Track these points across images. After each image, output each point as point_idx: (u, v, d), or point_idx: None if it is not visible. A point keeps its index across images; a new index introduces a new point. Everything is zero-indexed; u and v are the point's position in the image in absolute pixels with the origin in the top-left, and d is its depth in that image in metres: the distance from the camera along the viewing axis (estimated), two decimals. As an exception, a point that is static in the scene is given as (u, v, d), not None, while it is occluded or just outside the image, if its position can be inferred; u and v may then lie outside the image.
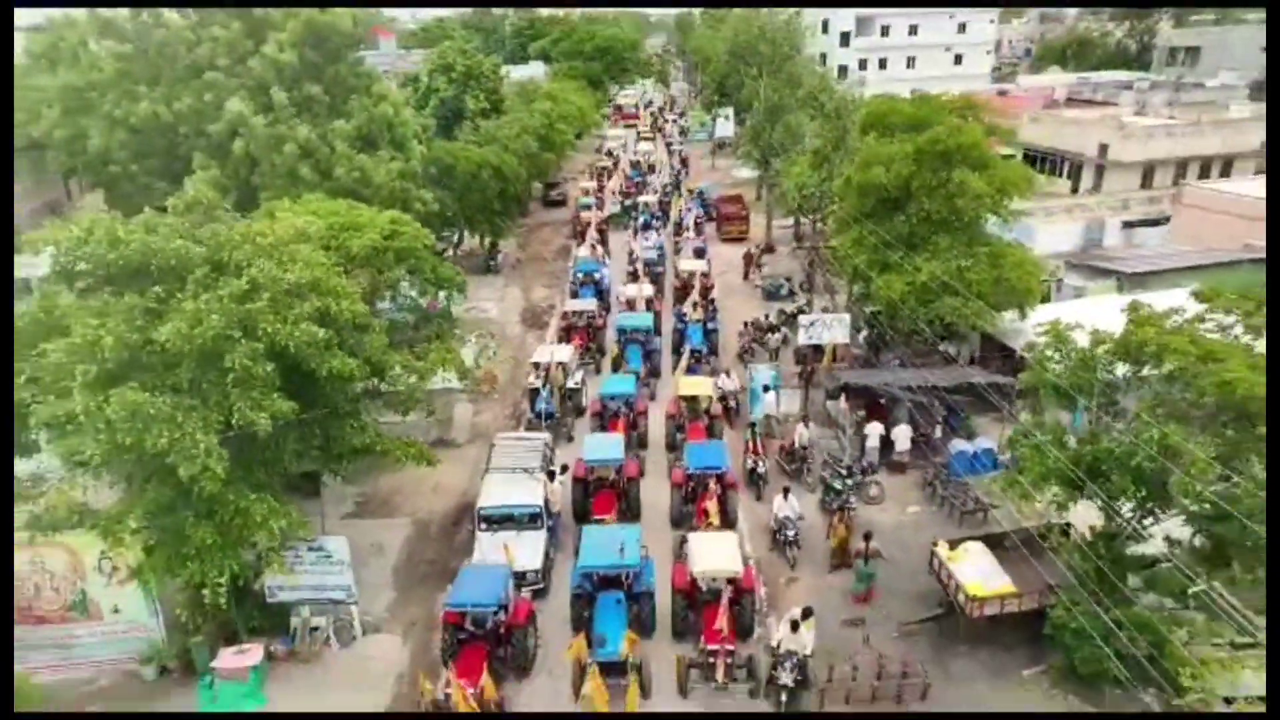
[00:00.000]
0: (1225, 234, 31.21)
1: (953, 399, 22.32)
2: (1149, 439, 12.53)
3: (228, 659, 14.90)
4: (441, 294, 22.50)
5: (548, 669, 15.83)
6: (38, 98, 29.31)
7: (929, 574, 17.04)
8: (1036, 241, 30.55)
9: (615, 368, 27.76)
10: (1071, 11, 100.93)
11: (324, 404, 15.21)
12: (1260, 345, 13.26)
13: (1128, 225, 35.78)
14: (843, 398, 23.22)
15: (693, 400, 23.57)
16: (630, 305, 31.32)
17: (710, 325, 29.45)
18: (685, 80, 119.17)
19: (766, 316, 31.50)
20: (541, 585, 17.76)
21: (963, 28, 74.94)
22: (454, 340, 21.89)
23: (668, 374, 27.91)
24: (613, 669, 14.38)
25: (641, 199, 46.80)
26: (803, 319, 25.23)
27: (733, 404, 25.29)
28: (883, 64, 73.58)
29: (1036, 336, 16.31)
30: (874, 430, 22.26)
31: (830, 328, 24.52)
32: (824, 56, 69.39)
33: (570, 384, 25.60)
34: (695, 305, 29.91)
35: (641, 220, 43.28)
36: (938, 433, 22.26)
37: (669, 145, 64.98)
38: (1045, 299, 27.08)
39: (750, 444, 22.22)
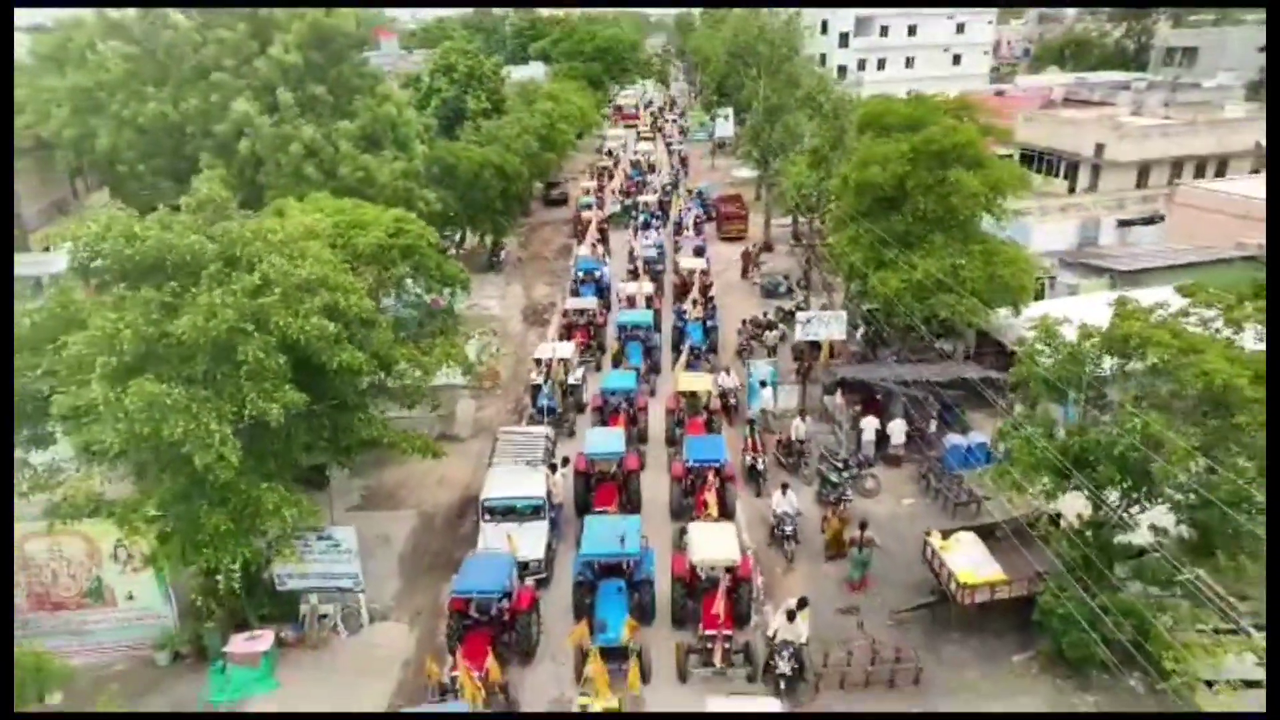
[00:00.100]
0: (1218, 232, 31.57)
1: (947, 394, 22.73)
2: (1132, 428, 12.95)
3: (239, 644, 15.35)
4: (446, 291, 22.88)
5: (550, 654, 16.26)
6: (47, 98, 29.74)
7: (922, 563, 17.46)
8: (1033, 240, 30.96)
9: (616, 364, 28.18)
10: (1070, 12, 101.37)
11: (333, 396, 15.63)
12: (1240, 339, 13.70)
13: (1123, 224, 36.16)
14: (839, 393, 23.66)
15: (692, 396, 23.98)
16: (630, 302, 31.73)
17: (710, 323, 29.87)
18: (685, 80, 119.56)
19: (765, 314, 31.93)
20: (544, 575, 18.19)
21: (961, 28, 75.42)
22: (457, 336, 22.32)
23: (667, 370, 28.33)
24: (613, 654, 14.79)
25: (641, 198, 47.20)
26: (800, 316, 25.64)
27: (732, 401, 25.70)
28: (881, 64, 74.05)
29: (1026, 332, 16.72)
30: (870, 424, 22.69)
31: (827, 324, 24.92)
32: (823, 57, 69.78)
33: (571, 380, 26.02)
34: (695, 303, 30.32)
35: (641, 219, 43.69)
36: (932, 427, 22.70)
37: (669, 145, 65.37)
38: (1039, 296, 27.50)
39: (749, 440, 22.62)
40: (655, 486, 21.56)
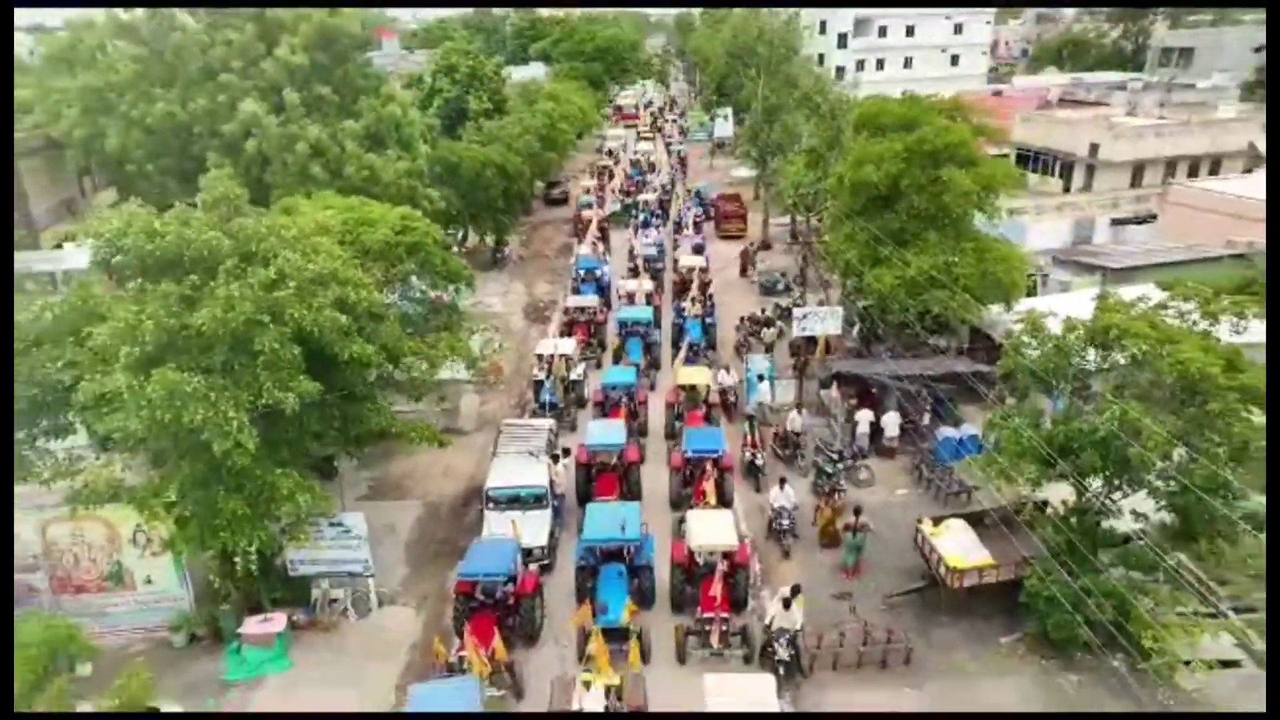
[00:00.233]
0: (1210, 231, 32.08)
1: (940, 388, 23.26)
2: (1111, 415, 13.51)
3: (254, 626, 15.92)
4: (450, 287, 23.44)
5: (554, 637, 16.82)
6: (57, 98, 30.30)
7: (914, 550, 18.02)
8: (1028, 239, 31.44)
9: (616, 360, 28.73)
10: (1068, 12, 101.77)
11: (343, 387, 16.17)
12: (1216, 330, 14.27)
13: (1116, 223, 36.64)
14: (834, 386, 24.23)
15: (691, 389, 24.52)
16: (631, 299, 32.27)
17: (708, 320, 30.42)
18: (685, 80, 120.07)
19: (763, 311, 32.47)
20: (547, 561, 18.74)
21: (959, 29, 75.90)
22: (461, 332, 22.86)
23: (667, 366, 28.88)
24: (615, 634, 15.34)
25: (641, 197, 47.76)
26: (796, 312, 26.16)
27: (732, 398, 26.21)
28: (880, 65, 74.53)
29: (1016, 326, 17.27)
30: (864, 417, 23.24)
31: (823, 320, 25.44)
32: (821, 57, 70.30)
33: (573, 376, 26.56)
34: (694, 300, 30.84)
35: (641, 218, 44.25)
36: (925, 420, 23.24)
37: (668, 145, 65.93)
38: (1032, 293, 28.06)
39: (749, 437, 23.12)
40: (655, 478, 22.09)
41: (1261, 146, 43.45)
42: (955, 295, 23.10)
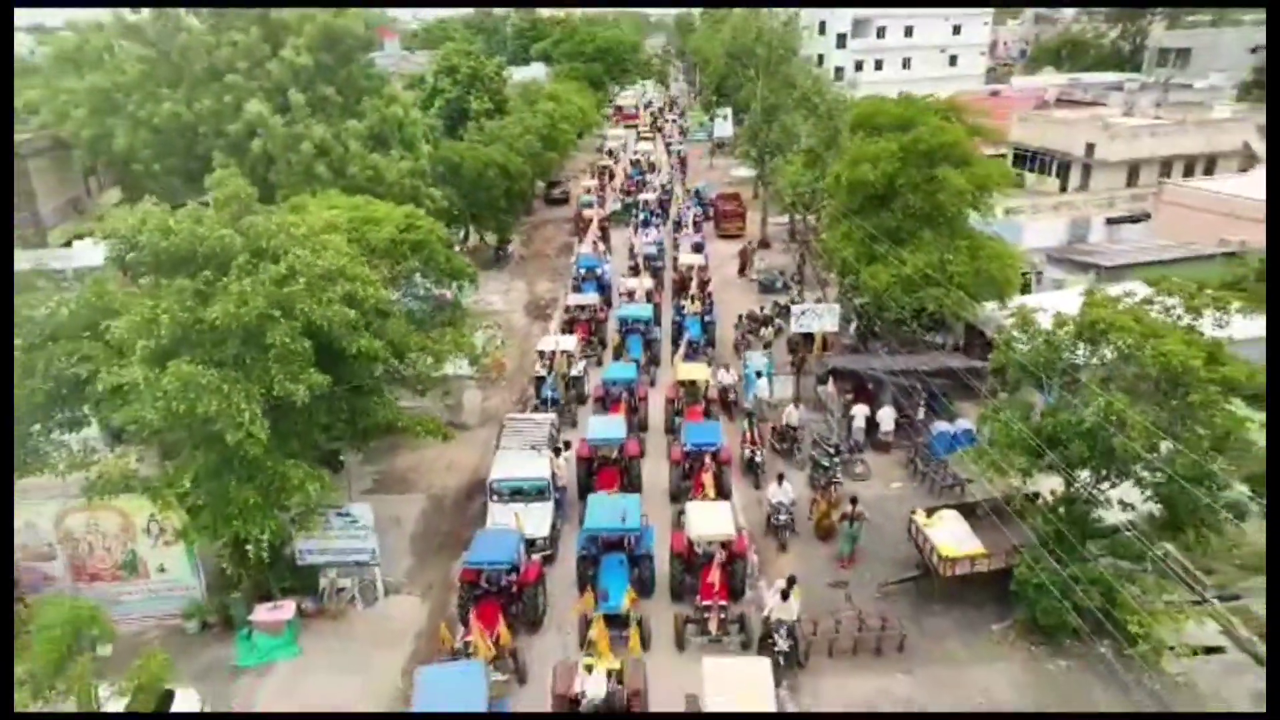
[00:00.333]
0: (1204, 230, 32.52)
1: (935, 383, 23.67)
2: (1096, 406, 13.93)
3: (264, 613, 16.33)
4: (454, 284, 23.85)
5: (556, 624, 17.26)
6: (65, 99, 30.70)
7: (908, 541, 18.43)
8: (1025, 238, 31.87)
9: (617, 357, 29.15)
10: (1067, 12, 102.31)
11: (351, 381, 16.60)
12: (1200, 325, 14.69)
13: (1111, 222, 37.04)
14: (831, 382, 24.64)
15: (691, 385, 24.91)
16: (631, 297, 32.65)
17: (708, 318, 30.82)
18: (685, 80, 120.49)
19: (762, 309, 32.88)
20: (550, 552, 19.16)
21: (958, 29, 76.35)
22: (464, 328, 23.27)
23: (667, 363, 29.29)
24: (615, 621, 15.76)
25: (641, 197, 48.16)
26: (794, 309, 26.60)
27: (731, 396, 26.58)
28: (879, 65, 74.97)
29: (1004, 321, 17.69)
30: (860, 412, 23.65)
31: (820, 317, 25.86)
32: (821, 58, 70.71)
33: (574, 372, 26.97)
34: (693, 298, 31.25)
35: (642, 217, 44.63)
36: (920, 414, 23.65)
37: (668, 145, 66.35)
38: (1026, 290, 28.47)
39: (748, 434, 23.49)
40: (655, 472, 22.51)
41: (1255, 146, 43.91)
42: (950, 292, 23.53)
